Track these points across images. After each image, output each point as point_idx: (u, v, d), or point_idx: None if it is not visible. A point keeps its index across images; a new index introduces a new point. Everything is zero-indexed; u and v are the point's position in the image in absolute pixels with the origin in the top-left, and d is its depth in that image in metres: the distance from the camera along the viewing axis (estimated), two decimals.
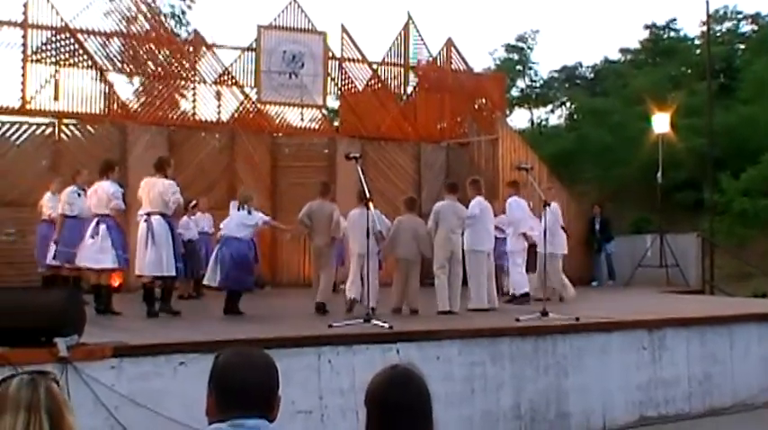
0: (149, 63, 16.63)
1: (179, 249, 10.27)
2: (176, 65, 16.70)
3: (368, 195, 9.24)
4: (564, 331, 8.92)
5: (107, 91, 16.13)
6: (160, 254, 9.85)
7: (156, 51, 16.63)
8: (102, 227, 10.11)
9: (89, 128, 15.53)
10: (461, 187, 11.59)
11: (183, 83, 16.78)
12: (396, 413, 2.52)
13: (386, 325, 8.22)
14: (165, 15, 20.46)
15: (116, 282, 14.41)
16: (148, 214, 10.01)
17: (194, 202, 13.75)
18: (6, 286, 12.37)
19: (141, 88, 16.91)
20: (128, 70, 17.03)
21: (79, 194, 11.37)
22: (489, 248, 11.38)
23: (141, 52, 16.52)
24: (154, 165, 10.47)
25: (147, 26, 16.75)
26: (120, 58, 16.42)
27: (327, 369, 7.49)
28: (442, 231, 10.70)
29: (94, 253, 10.09)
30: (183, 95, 17.10)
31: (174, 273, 10.05)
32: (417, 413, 2.55)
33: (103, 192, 10.14)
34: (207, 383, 2.59)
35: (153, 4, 17.92)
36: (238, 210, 10.70)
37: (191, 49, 17.18)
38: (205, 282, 10.94)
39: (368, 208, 9.23)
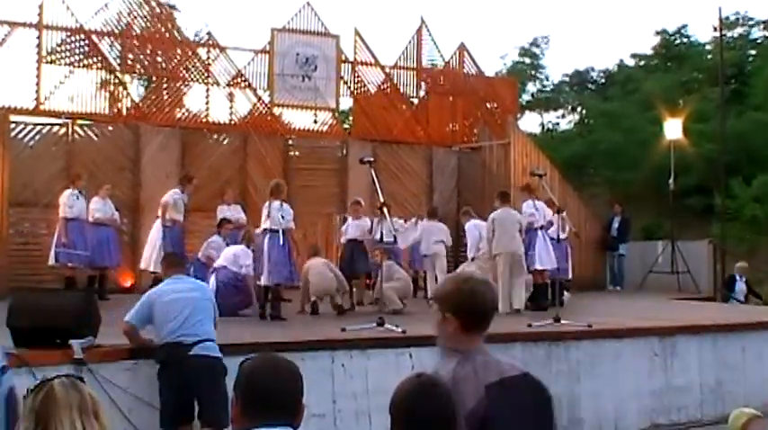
0: (163, 65, 16.67)
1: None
2: (190, 67, 16.72)
3: (382, 200, 9.26)
4: (576, 337, 8.94)
5: (120, 92, 16.19)
6: (150, 252, 11.87)
7: (170, 53, 16.66)
8: None
9: (102, 129, 15.59)
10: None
11: (195, 84, 16.81)
12: (423, 423, 2.53)
13: (399, 329, 8.24)
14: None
15: (127, 283, 14.60)
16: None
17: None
18: (19, 286, 12.47)
19: (154, 90, 16.94)
20: (141, 72, 17.12)
21: (78, 197, 12.28)
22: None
23: (155, 54, 16.57)
24: (179, 179, 12.26)
25: (162, 28, 16.79)
26: (133, 60, 16.48)
27: (341, 372, 7.51)
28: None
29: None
30: (195, 97, 17.14)
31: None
32: (444, 422, 2.57)
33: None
34: (232, 390, 2.61)
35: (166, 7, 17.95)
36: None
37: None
38: None
39: (382, 213, 9.25)
